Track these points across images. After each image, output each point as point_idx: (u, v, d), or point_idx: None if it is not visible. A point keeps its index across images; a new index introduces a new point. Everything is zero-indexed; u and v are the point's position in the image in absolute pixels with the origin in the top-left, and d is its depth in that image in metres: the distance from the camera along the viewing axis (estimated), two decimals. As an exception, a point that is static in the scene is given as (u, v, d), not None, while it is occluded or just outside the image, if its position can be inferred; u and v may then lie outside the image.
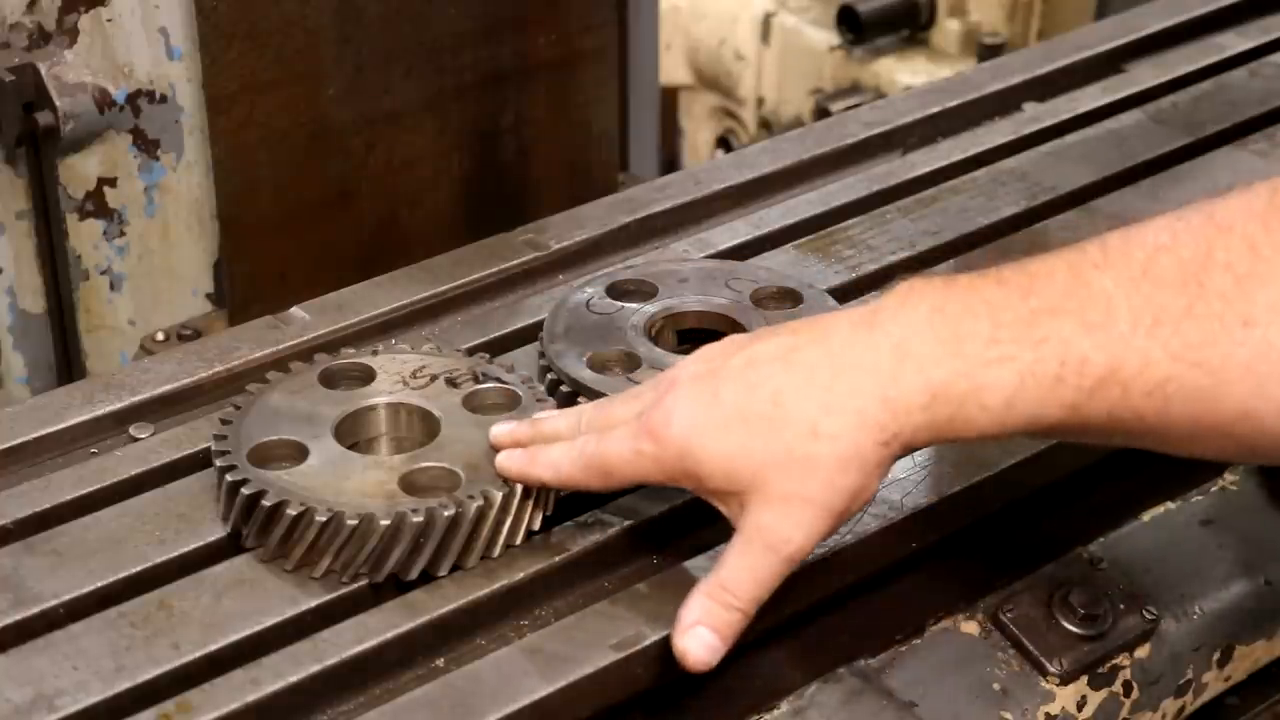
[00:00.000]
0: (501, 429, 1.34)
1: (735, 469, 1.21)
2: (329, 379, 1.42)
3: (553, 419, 1.35)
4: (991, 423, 1.17)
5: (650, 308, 1.53)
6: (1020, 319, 1.16)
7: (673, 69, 3.82)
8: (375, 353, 1.46)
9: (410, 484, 1.30)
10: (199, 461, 1.39)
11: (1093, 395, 1.14)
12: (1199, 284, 1.12)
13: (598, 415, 1.32)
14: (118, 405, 1.46)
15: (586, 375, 1.43)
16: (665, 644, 1.24)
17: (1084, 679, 1.37)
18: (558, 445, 1.31)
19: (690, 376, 1.25)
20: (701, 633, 1.21)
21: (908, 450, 1.20)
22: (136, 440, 1.44)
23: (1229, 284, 1.11)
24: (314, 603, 1.26)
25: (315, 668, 1.21)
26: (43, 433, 1.43)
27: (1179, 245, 1.14)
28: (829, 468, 1.19)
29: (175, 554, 1.30)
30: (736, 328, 1.50)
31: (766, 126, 3.72)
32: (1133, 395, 1.13)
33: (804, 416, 1.19)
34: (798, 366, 1.21)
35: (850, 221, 1.76)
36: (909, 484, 1.38)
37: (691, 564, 1.30)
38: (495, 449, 1.33)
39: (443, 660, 1.26)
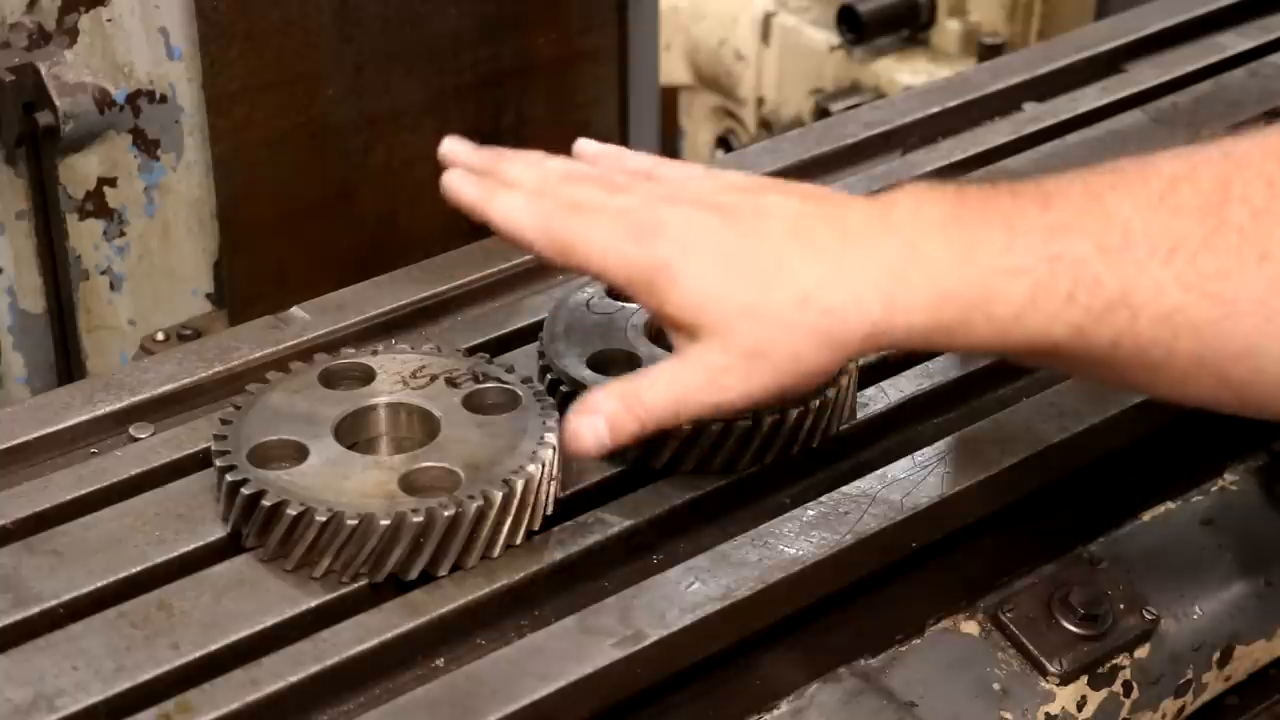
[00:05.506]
0: (455, 146, 1.31)
1: (708, 307, 1.17)
2: (329, 379, 1.42)
3: (515, 163, 1.30)
4: (993, 334, 1.15)
5: (650, 308, 1.52)
6: (1037, 232, 1.13)
7: (673, 69, 3.81)
8: (375, 353, 1.45)
9: (410, 484, 1.30)
10: (199, 461, 1.39)
11: (1101, 319, 1.12)
12: (1217, 216, 1.10)
13: (566, 188, 1.26)
14: (118, 405, 1.46)
15: (586, 375, 1.43)
16: (665, 644, 1.24)
17: (1084, 679, 1.37)
18: (518, 195, 1.26)
19: (695, 198, 1.21)
20: (599, 424, 1.19)
21: (888, 349, 1.16)
22: (136, 440, 1.43)
23: (1246, 217, 1.10)
24: (314, 603, 1.26)
25: (315, 668, 1.21)
26: (43, 433, 1.43)
27: (1197, 176, 1.12)
28: (804, 339, 1.16)
29: (175, 554, 1.30)
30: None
31: (766, 126, 3.72)
32: (1140, 322, 1.12)
33: (799, 282, 1.16)
34: (805, 234, 1.18)
35: (850, 221, 1.76)
36: (909, 484, 1.38)
37: (691, 564, 1.30)
38: (444, 165, 1.30)
39: (443, 660, 1.26)
